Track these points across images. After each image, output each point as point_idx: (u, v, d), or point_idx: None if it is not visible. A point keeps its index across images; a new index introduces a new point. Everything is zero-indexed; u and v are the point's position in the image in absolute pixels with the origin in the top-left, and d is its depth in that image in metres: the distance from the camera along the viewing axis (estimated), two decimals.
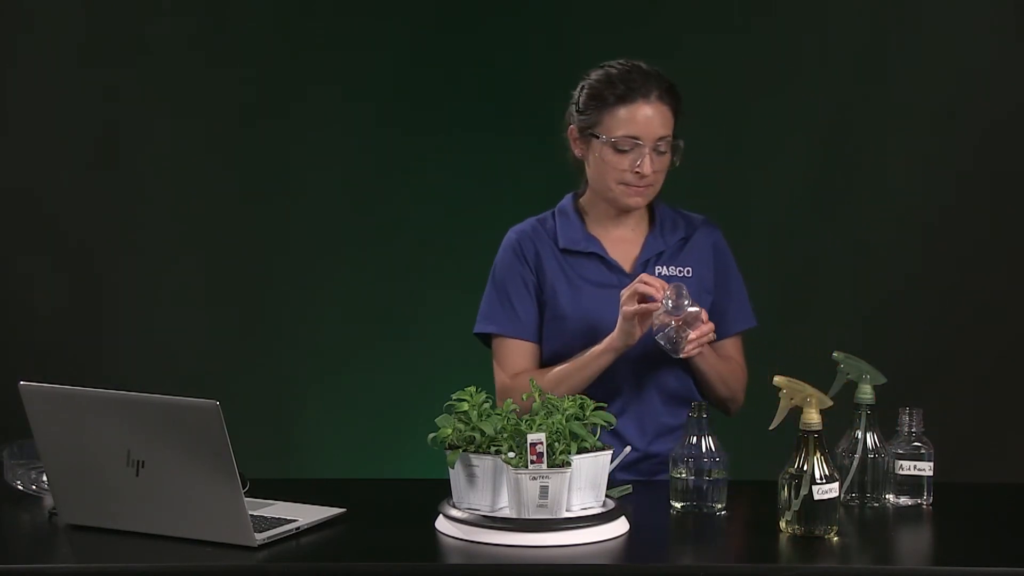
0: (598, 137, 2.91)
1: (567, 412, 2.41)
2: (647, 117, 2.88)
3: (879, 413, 2.65)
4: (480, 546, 2.34)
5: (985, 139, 4.25)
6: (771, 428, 2.59)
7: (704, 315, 2.77)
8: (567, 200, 3.06)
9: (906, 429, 2.65)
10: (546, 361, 2.97)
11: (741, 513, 2.55)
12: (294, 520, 2.42)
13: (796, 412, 2.47)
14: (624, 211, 2.98)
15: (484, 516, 2.37)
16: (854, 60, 4.28)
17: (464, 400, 2.44)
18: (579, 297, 2.95)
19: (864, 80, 4.28)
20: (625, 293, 2.79)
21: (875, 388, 2.64)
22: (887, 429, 2.68)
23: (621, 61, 2.95)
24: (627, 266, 2.98)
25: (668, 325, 2.76)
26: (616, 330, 2.82)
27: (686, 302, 2.76)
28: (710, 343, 2.83)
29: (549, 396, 2.46)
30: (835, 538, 2.38)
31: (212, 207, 4.33)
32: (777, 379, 2.51)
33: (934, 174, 4.28)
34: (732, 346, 3.01)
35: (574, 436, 2.39)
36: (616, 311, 2.81)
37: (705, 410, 2.57)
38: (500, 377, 2.98)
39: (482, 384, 2.48)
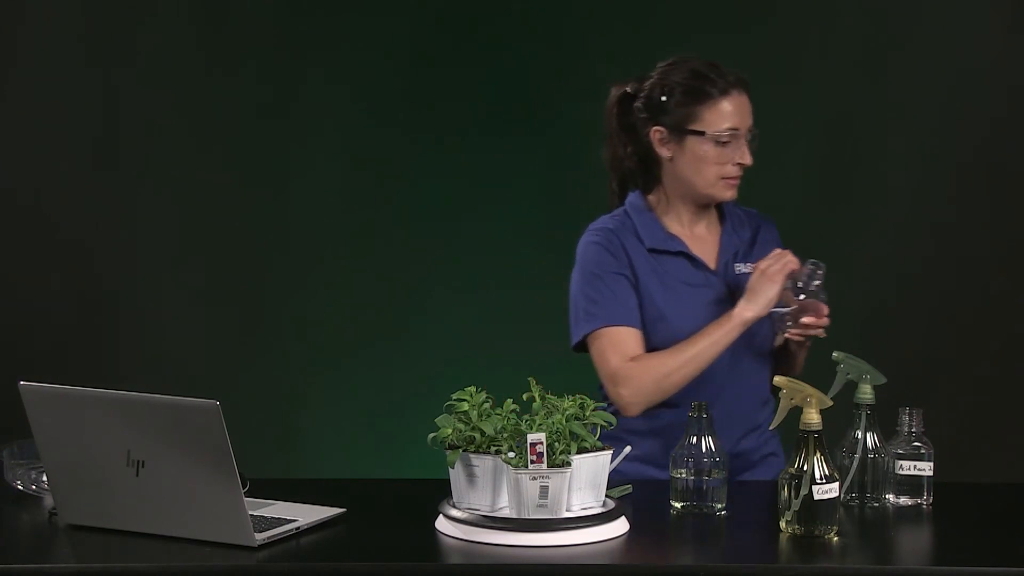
0: (701, 133, 2.86)
1: (567, 412, 2.41)
2: (740, 106, 2.87)
3: (879, 413, 2.65)
4: (480, 546, 2.34)
5: (985, 139, 4.25)
6: (771, 428, 2.59)
7: (825, 309, 2.80)
8: (637, 198, 2.99)
9: (906, 429, 2.65)
10: None
11: (741, 513, 2.55)
12: (294, 520, 2.42)
13: (796, 412, 2.47)
14: (705, 207, 2.96)
15: (484, 516, 2.37)
16: (854, 60, 4.28)
17: (464, 400, 2.44)
18: (676, 298, 2.90)
19: (864, 80, 4.28)
20: (773, 259, 2.80)
21: (875, 388, 2.64)
22: (887, 429, 2.68)
23: (691, 55, 2.91)
24: (711, 264, 2.96)
25: (788, 305, 2.79)
26: (749, 301, 2.80)
27: (817, 282, 2.81)
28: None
29: (549, 396, 2.46)
30: (835, 538, 2.38)
31: (212, 207, 4.34)
32: (777, 379, 2.51)
33: (934, 174, 4.28)
34: None
35: (574, 436, 2.39)
36: (706, 309, 2.84)
37: (705, 410, 2.57)
38: (613, 361, 2.85)
39: (482, 384, 2.48)
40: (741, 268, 2.95)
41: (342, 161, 4.35)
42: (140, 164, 4.32)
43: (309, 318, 4.37)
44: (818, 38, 4.29)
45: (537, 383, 2.47)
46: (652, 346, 2.87)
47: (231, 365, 4.32)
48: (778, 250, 2.84)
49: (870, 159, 4.31)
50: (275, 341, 4.37)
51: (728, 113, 2.86)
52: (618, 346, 2.86)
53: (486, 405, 2.44)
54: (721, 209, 3.01)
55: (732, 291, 2.91)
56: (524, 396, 2.50)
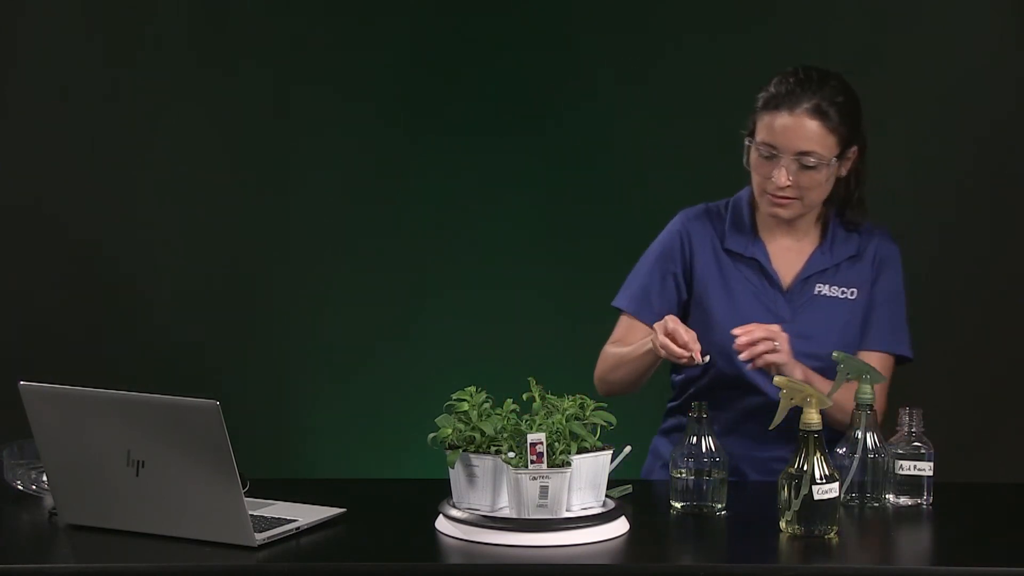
0: (752, 138, 2.85)
1: (567, 412, 2.41)
2: (785, 128, 2.80)
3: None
4: (480, 546, 2.34)
5: (985, 139, 4.24)
6: (771, 428, 2.59)
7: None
8: (745, 194, 2.96)
9: (906, 429, 2.65)
10: None
11: (741, 513, 2.55)
12: (294, 520, 2.42)
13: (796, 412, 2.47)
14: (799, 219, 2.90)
15: (484, 516, 2.37)
16: (854, 60, 4.27)
17: (464, 400, 2.44)
18: (732, 304, 2.87)
19: (864, 80, 4.27)
20: (660, 328, 2.70)
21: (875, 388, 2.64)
22: (887, 429, 2.68)
23: (799, 67, 2.86)
24: (786, 279, 2.90)
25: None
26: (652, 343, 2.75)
27: None
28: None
29: (549, 396, 2.46)
30: (835, 538, 2.38)
31: (212, 207, 4.33)
32: (777, 379, 2.51)
33: (934, 175, 4.28)
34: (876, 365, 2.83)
35: (574, 436, 2.39)
36: (761, 321, 2.76)
37: (705, 410, 2.57)
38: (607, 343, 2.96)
39: (482, 384, 2.48)
40: (822, 289, 2.89)
41: (342, 161, 4.35)
42: (140, 164, 4.32)
43: (309, 318, 4.37)
44: (818, 38, 4.28)
45: (537, 383, 2.48)
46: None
47: (231, 365, 4.32)
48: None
49: (870, 159, 4.29)
50: (275, 341, 4.37)
51: (772, 129, 2.81)
52: (621, 332, 2.93)
53: (486, 405, 2.44)
54: (827, 224, 2.94)
55: (798, 311, 2.88)
56: (524, 396, 2.51)
